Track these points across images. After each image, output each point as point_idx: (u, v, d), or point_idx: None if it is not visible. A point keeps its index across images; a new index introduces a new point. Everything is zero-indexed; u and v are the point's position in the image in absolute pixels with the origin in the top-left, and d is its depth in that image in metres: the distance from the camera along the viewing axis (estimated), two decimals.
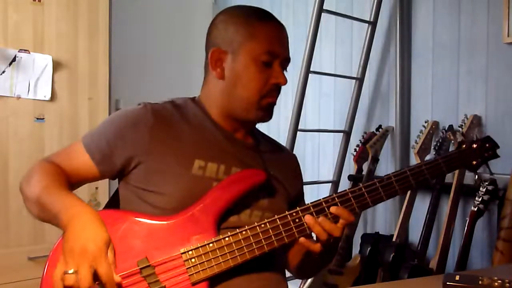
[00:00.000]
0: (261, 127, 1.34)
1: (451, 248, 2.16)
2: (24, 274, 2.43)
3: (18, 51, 2.46)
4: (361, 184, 1.16)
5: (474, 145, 1.27)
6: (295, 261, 1.30)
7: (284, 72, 1.23)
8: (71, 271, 0.95)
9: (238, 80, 1.20)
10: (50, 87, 2.53)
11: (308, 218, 1.10)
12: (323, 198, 1.14)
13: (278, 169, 1.28)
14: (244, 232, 1.09)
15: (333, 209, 1.11)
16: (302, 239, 1.11)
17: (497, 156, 1.30)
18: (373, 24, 2.61)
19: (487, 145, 1.29)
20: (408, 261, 2.21)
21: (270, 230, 1.10)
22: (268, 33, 1.20)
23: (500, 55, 2.15)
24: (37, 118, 2.52)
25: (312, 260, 1.21)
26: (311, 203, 1.14)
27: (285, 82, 1.21)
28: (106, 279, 0.97)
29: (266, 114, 1.23)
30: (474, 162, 1.27)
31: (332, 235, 1.10)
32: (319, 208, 1.12)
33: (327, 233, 1.09)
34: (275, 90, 1.22)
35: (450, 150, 2.23)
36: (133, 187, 1.19)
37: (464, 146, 1.27)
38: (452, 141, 2.18)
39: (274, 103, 1.24)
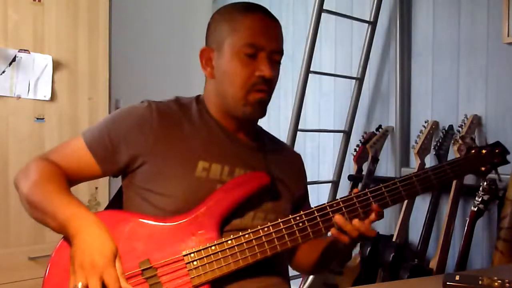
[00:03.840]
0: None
1: (451, 248, 2.16)
2: (24, 274, 2.43)
3: (18, 51, 2.46)
4: (366, 189, 1.14)
5: (483, 151, 1.24)
6: (310, 259, 1.29)
7: (278, 65, 1.20)
8: (80, 284, 0.97)
9: (224, 76, 1.18)
10: (50, 87, 2.53)
11: (338, 218, 1.10)
12: (327, 203, 1.13)
13: (281, 170, 1.27)
14: (247, 236, 1.09)
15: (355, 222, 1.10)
16: (334, 232, 1.11)
17: (506, 162, 1.27)
18: (373, 24, 2.61)
19: (496, 150, 1.26)
20: (408, 261, 2.21)
21: (273, 234, 1.09)
22: (250, 25, 1.17)
23: (500, 55, 2.15)
24: (37, 118, 2.52)
25: (331, 255, 1.22)
26: (315, 207, 1.13)
27: (270, 74, 1.15)
28: None
29: (254, 111, 1.18)
30: (483, 168, 1.24)
31: (364, 234, 1.10)
32: (323, 212, 1.12)
33: (358, 231, 1.09)
34: (262, 84, 1.16)
35: (449, 150, 2.23)
36: (137, 187, 1.18)
37: (473, 151, 1.24)
38: (453, 143, 2.18)
39: (264, 99, 1.18)
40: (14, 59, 2.44)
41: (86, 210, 1.06)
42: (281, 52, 1.20)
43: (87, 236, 1.01)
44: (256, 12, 1.20)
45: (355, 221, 1.10)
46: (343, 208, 1.12)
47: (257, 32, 1.16)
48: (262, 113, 1.20)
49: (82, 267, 0.98)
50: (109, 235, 1.03)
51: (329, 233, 1.15)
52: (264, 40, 1.16)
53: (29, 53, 2.48)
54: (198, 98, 1.28)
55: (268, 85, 1.18)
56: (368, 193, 1.13)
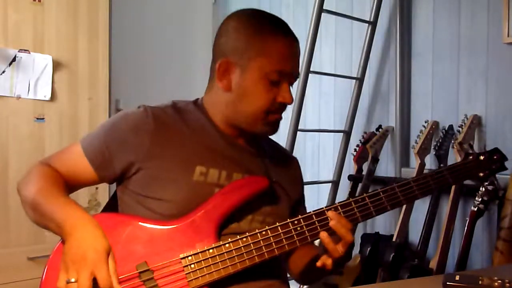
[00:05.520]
0: None
1: (451, 248, 2.16)
2: (24, 274, 2.43)
3: (18, 51, 2.45)
4: (364, 194, 1.15)
5: (482, 157, 1.26)
6: (298, 267, 1.28)
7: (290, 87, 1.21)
8: (73, 279, 0.96)
9: (245, 95, 1.17)
10: (50, 87, 2.53)
11: (323, 235, 1.09)
12: (325, 207, 1.13)
13: (280, 174, 1.26)
14: (245, 239, 1.08)
15: (331, 215, 1.09)
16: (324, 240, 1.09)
17: (504, 168, 1.28)
18: (373, 24, 2.61)
19: (494, 157, 1.27)
20: (408, 261, 2.21)
21: (271, 238, 1.09)
22: (280, 50, 1.17)
23: (500, 55, 2.15)
24: (37, 118, 2.52)
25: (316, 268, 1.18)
26: (313, 211, 1.13)
27: (292, 101, 1.20)
28: (105, 285, 0.97)
29: (271, 129, 1.22)
30: (481, 174, 1.26)
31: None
32: (322, 217, 1.11)
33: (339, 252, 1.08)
34: (281, 108, 1.21)
35: (449, 150, 2.23)
36: (133, 193, 1.17)
37: (471, 157, 1.26)
38: (452, 146, 2.18)
39: (280, 119, 1.22)
40: (14, 59, 2.44)
41: (82, 211, 1.06)
42: (298, 75, 1.25)
43: (80, 233, 1.00)
44: (286, 35, 1.19)
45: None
46: (341, 213, 1.12)
47: (286, 59, 1.18)
48: (277, 130, 1.24)
49: (73, 261, 0.97)
50: (102, 233, 1.02)
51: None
52: (290, 67, 1.19)
53: (29, 53, 2.48)
54: (196, 102, 1.27)
55: (285, 107, 1.22)
56: (366, 198, 1.14)
